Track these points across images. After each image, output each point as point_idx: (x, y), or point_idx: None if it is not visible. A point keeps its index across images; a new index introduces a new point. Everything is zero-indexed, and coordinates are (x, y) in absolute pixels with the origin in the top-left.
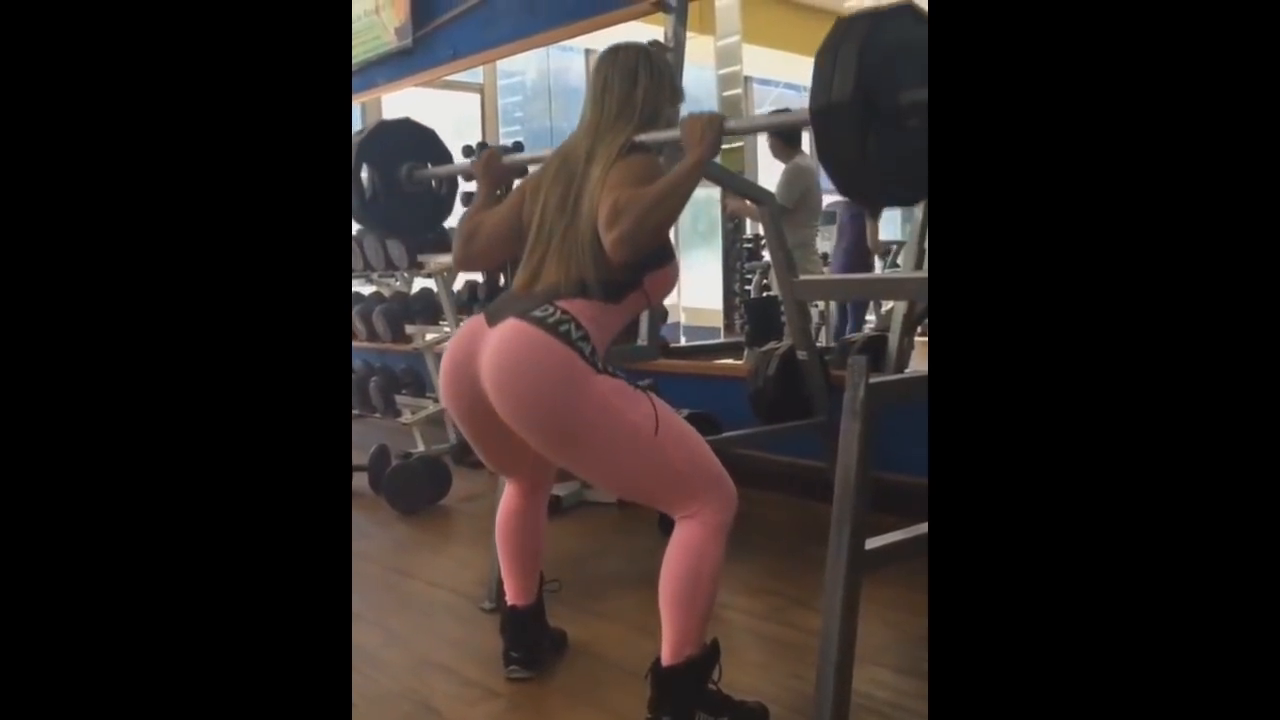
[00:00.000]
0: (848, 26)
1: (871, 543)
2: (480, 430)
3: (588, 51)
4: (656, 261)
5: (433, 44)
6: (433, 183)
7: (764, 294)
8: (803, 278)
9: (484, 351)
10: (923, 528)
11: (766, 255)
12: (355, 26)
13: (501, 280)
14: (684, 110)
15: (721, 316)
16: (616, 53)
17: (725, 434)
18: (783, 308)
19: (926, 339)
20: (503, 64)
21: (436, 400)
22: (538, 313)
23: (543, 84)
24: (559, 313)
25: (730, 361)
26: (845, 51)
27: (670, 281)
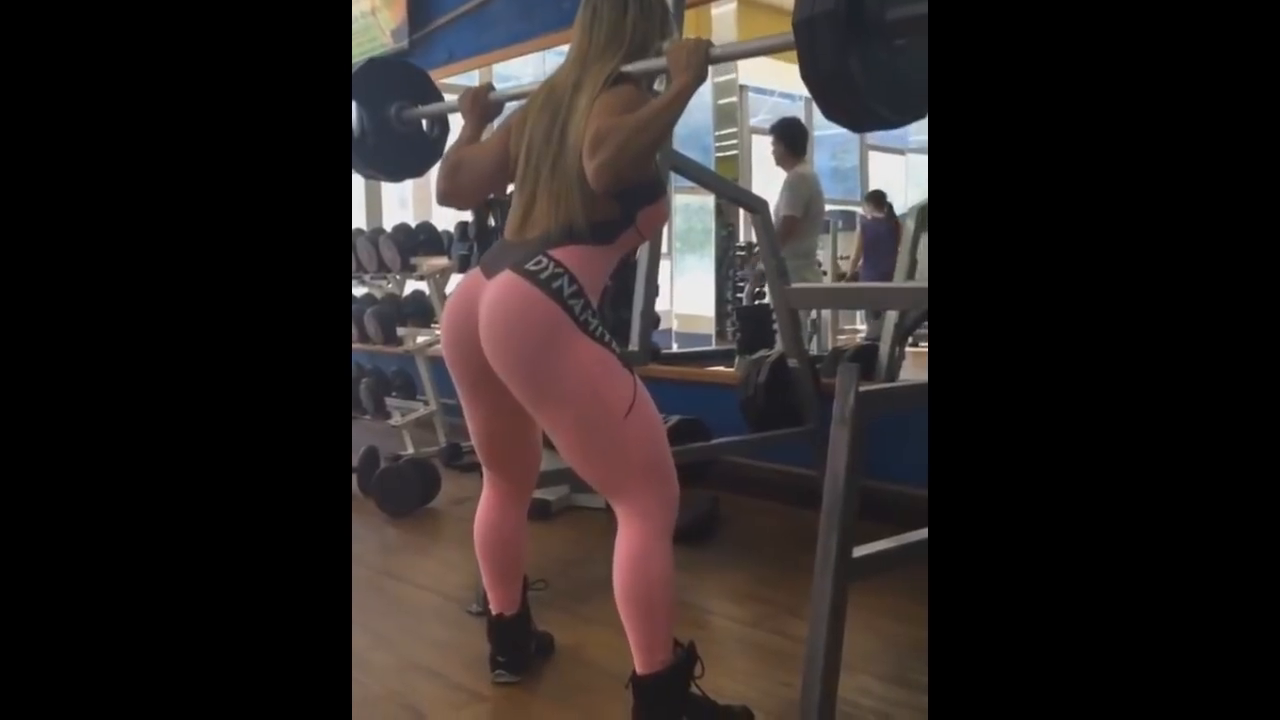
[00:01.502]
0: None
1: (859, 550)
2: (472, 385)
3: None
4: (648, 197)
5: (429, 46)
6: (423, 124)
7: (756, 301)
8: (795, 285)
9: (482, 305)
10: (910, 536)
11: (760, 263)
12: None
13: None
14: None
15: (714, 323)
16: None
17: (715, 441)
18: (774, 315)
19: (919, 348)
20: (498, 67)
21: (427, 403)
22: (531, 265)
23: None
24: (552, 265)
25: (721, 369)
26: None
27: (662, 216)
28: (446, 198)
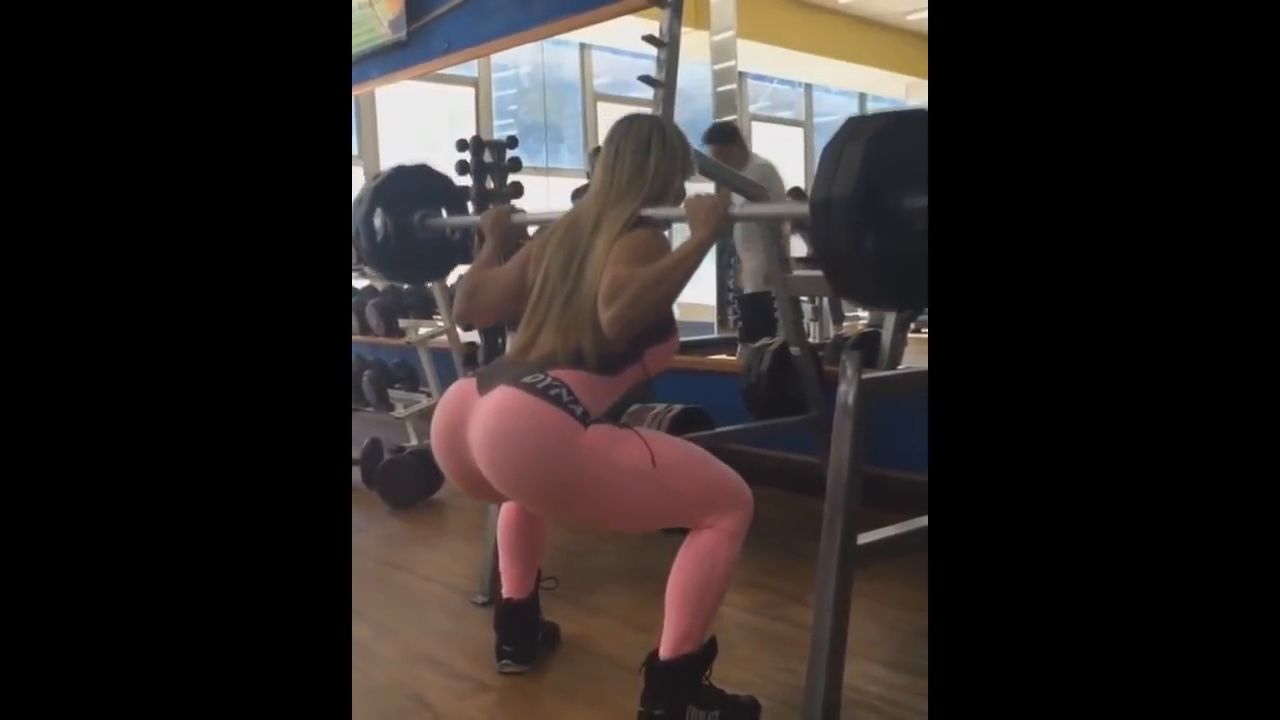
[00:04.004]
0: (858, 125)
1: (864, 538)
2: (476, 490)
3: (582, 46)
4: (658, 337)
5: (427, 37)
6: (445, 229)
7: (757, 289)
8: (797, 273)
9: (474, 420)
10: (915, 523)
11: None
12: None
13: (501, 340)
14: (678, 105)
15: (715, 311)
16: (630, 123)
17: (718, 429)
18: (776, 303)
19: (920, 335)
20: (497, 57)
21: (429, 394)
22: (528, 379)
23: (537, 77)
24: (550, 379)
25: (723, 357)
26: (851, 149)
27: (669, 355)
28: (464, 317)
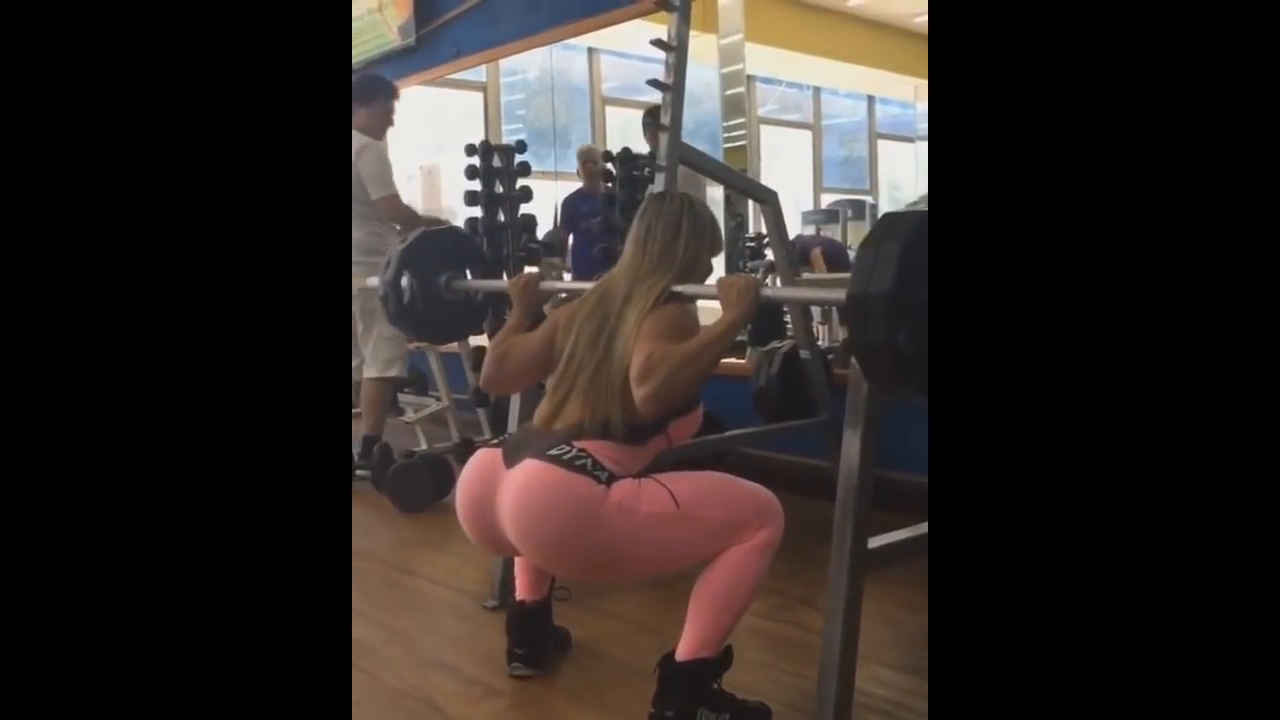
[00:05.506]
0: (893, 222)
1: (874, 541)
2: (505, 552)
3: (590, 50)
4: (682, 410)
5: (436, 42)
6: (470, 291)
7: None
8: (806, 276)
9: (502, 494)
10: (924, 526)
11: (769, 254)
12: (357, 25)
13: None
14: (686, 108)
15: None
16: (662, 201)
17: (728, 433)
18: (785, 307)
19: None
20: (505, 62)
21: (439, 398)
22: (554, 451)
23: (545, 82)
24: (576, 450)
25: (733, 360)
26: (887, 248)
27: (694, 427)
28: (490, 384)
